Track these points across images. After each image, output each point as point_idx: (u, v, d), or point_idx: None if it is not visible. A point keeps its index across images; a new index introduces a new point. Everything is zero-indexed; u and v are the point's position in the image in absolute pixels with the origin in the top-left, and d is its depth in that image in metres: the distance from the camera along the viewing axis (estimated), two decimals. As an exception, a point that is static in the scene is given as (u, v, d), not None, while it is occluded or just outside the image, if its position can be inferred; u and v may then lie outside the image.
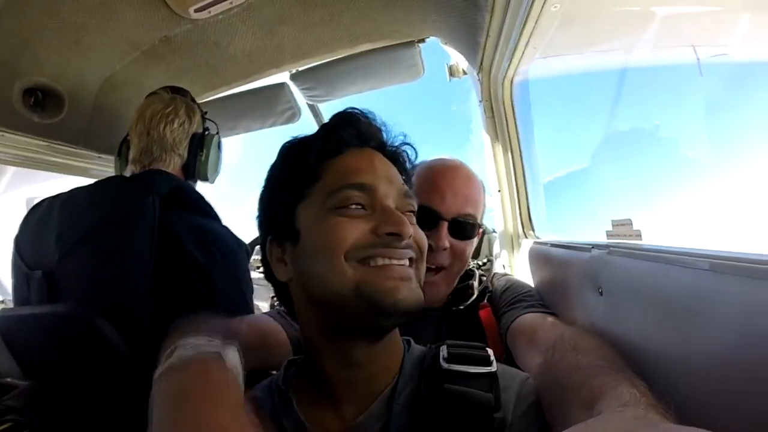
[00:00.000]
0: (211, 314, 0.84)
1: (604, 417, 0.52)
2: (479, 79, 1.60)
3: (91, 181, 1.27)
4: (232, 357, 0.65)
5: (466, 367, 0.70)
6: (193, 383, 0.58)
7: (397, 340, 0.77)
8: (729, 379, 0.53)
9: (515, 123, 1.62)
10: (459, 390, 0.67)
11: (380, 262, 0.66)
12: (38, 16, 1.32)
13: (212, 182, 1.40)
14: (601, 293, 0.85)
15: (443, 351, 0.73)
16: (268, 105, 2.09)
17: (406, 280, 0.67)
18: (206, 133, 1.36)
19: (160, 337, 0.75)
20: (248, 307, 1.14)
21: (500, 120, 1.63)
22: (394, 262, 0.67)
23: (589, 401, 0.58)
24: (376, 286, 0.64)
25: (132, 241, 1.00)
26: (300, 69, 1.93)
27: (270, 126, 2.20)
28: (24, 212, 1.21)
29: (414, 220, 0.74)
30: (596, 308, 0.88)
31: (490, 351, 0.73)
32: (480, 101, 1.66)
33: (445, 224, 1.15)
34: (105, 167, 1.84)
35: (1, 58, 1.37)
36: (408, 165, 0.81)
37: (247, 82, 1.97)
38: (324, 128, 0.77)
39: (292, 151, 0.78)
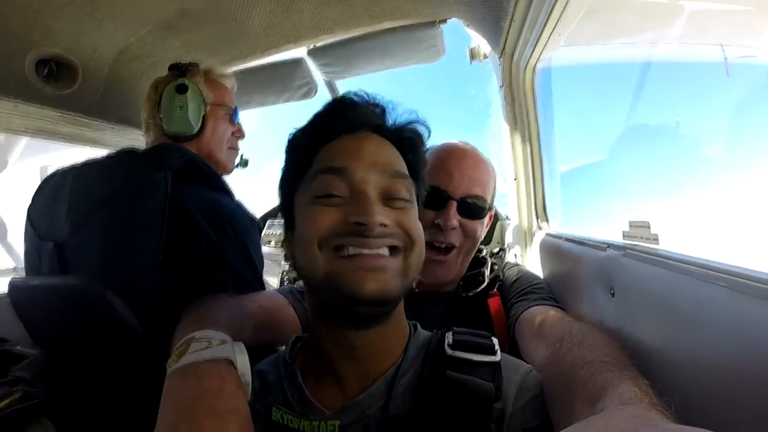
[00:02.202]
0: (223, 294, 0.87)
1: (605, 414, 0.51)
2: (500, 64, 1.56)
3: (105, 152, 1.26)
4: (242, 362, 0.65)
5: (470, 354, 0.70)
6: (202, 394, 0.58)
7: (401, 323, 0.77)
8: (731, 391, 0.53)
9: (535, 111, 1.58)
10: (460, 377, 0.67)
11: (351, 251, 0.65)
12: None
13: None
14: (612, 294, 0.84)
15: (449, 337, 0.73)
16: (285, 80, 2.07)
17: (376, 270, 0.65)
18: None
19: (169, 311, 0.77)
20: (260, 284, 1.14)
21: (520, 107, 1.59)
22: (365, 251, 0.66)
23: (592, 397, 0.58)
24: (342, 277, 0.64)
25: (143, 215, 0.99)
26: (318, 45, 1.90)
27: (286, 101, 2.19)
28: (37, 182, 1.21)
29: (402, 204, 0.71)
30: (606, 308, 0.86)
31: (495, 340, 0.73)
32: (500, 86, 1.63)
33: (454, 204, 1.17)
34: (118, 138, 1.84)
35: (14, 29, 1.36)
36: (417, 144, 0.79)
37: (264, 57, 1.94)
38: (315, 116, 0.78)
39: (291, 139, 0.79)
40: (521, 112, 1.59)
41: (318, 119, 0.77)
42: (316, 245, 0.66)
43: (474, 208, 1.20)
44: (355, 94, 0.77)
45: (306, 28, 1.72)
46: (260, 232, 1.23)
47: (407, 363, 0.72)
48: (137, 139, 1.86)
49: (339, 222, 0.66)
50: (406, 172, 0.74)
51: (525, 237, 1.70)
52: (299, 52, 1.97)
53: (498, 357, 0.70)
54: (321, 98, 2.19)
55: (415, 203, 0.75)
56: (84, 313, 0.98)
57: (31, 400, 0.83)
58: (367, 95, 0.77)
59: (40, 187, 1.21)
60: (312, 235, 0.66)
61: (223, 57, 1.85)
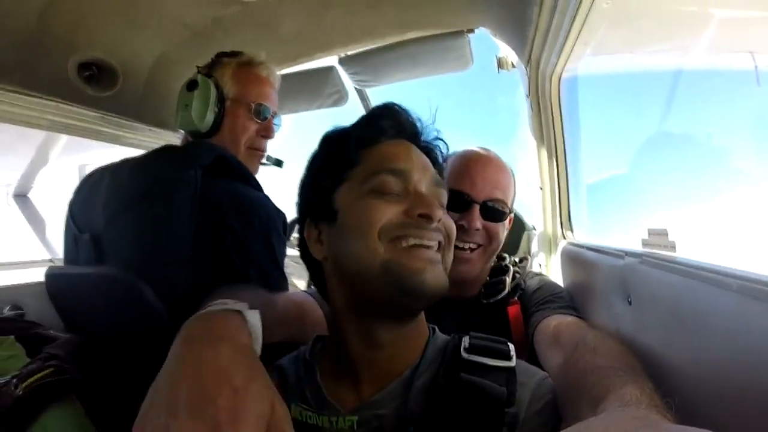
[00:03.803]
0: (250, 285, 0.91)
1: (605, 416, 0.53)
2: (527, 73, 1.57)
3: (142, 152, 1.31)
4: (252, 317, 0.66)
5: (484, 359, 0.71)
6: (206, 329, 0.61)
7: (422, 326, 0.80)
8: (749, 400, 0.52)
9: (561, 120, 1.57)
10: (473, 380, 0.68)
11: (411, 242, 0.70)
12: None
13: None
14: (630, 302, 0.84)
15: (465, 341, 0.75)
16: (316, 87, 2.11)
17: (433, 263, 0.71)
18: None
19: (197, 302, 0.78)
20: (282, 277, 1.15)
21: (546, 116, 1.59)
22: (425, 242, 0.71)
23: (596, 400, 0.59)
24: (403, 265, 0.68)
25: (173, 210, 1.03)
26: (349, 53, 1.94)
27: (317, 108, 2.22)
28: (75, 179, 1.27)
29: (444, 209, 0.77)
30: (624, 317, 0.86)
31: (511, 346, 0.74)
32: (527, 95, 1.63)
33: (477, 207, 1.22)
34: (155, 140, 1.90)
35: (58, 33, 1.43)
36: (440, 159, 0.86)
37: (296, 64, 1.99)
38: (365, 118, 0.83)
39: (333, 139, 0.83)
40: (547, 121, 1.59)
41: (368, 122, 0.82)
42: (375, 234, 0.69)
43: (496, 211, 1.24)
44: (396, 104, 0.83)
45: (337, 36, 1.77)
46: (288, 232, 1.24)
47: (424, 365, 0.74)
48: (174, 142, 1.91)
49: (399, 214, 0.71)
50: (443, 180, 0.81)
51: (550, 246, 1.69)
52: (330, 60, 2.01)
53: (513, 362, 0.71)
54: (351, 106, 2.22)
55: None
56: (115, 301, 1.02)
57: (63, 374, 0.87)
58: (405, 107, 0.84)
59: (80, 183, 1.27)
60: (370, 224, 0.70)
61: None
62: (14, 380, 0.81)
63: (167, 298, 0.97)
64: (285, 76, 2.02)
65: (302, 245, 0.83)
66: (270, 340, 0.72)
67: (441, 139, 0.86)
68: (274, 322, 0.85)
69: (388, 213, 0.70)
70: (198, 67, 1.37)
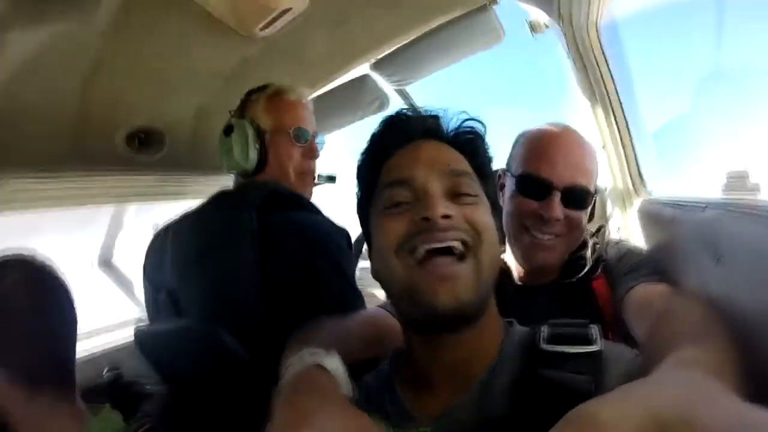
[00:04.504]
0: (324, 315, 0.91)
1: (652, 378, 0.50)
2: (562, 30, 1.47)
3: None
4: (330, 362, 0.69)
5: (564, 347, 0.65)
6: (299, 390, 0.64)
7: (491, 324, 0.74)
8: None
9: (609, 72, 1.46)
10: (553, 374, 0.62)
11: (422, 250, 0.66)
12: (126, 67, 1.45)
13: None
14: (719, 261, 0.75)
15: (544, 331, 0.69)
16: (355, 98, 2.09)
17: (449, 279, 0.65)
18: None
19: (275, 338, 0.82)
20: (356, 295, 1.14)
21: (592, 71, 1.48)
22: (435, 245, 0.65)
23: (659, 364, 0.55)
24: (416, 286, 0.66)
25: (236, 255, 1.05)
26: (379, 57, 1.90)
27: (361, 118, 2.19)
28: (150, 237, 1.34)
29: (469, 200, 0.71)
30: (714, 277, 0.75)
31: (594, 328, 0.67)
32: (567, 54, 1.53)
33: (558, 194, 1.08)
34: (213, 185, 1.92)
35: (101, 113, 1.52)
36: (475, 140, 0.80)
37: (330, 82, 1.98)
38: (371, 137, 0.82)
39: (358, 164, 0.83)
40: (595, 76, 1.48)
41: (375, 140, 0.81)
42: (393, 253, 0.68)
43: (580, 198, 1.11)
44: (406, 108, 0.83)
45: (362, 45, 1.75)
46: (350, 244, 1.24)
47: (502, 364, 0.69)
48: (230, 183, 1.97)
49: (408, 224, 0.68)
50: (469, 170, 0.74)
51: (624, 206, 1.58)
52: (363, 68, 1.98)
53: (598, 346, 0.64)
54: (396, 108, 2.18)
55: (485, 199, 0.74)
56: (199, 350, 1.06)
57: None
58: (418, 107, 0.82)
59: (150, 244, 1.33)
60: (387, 243, 0.69)
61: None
62: None
63: (246, 339, 0.99)
64: (322, 96, 2.03)
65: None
66: (354, 362, 0.73)
67: (471, 120, 0.79)
68: (354, 348, 0.84)
69: (398, 227, 0.69)
70: (230, 111, 1.41)
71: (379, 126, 0.81)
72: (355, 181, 0.84)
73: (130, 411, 1.00)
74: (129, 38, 1.36)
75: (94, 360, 1.11)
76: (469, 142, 0.78)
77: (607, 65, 1.45)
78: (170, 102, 1.67)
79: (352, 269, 1.17)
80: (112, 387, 1.07)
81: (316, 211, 1.21)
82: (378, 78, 2.02)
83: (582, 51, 1.46)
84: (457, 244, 0.66)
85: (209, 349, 1.02)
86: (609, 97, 1.49)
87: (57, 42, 1.24)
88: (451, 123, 0.79)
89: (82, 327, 1.01)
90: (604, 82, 1.48)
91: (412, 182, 0.71)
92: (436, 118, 0.79)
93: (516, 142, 1.22)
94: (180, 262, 1.15)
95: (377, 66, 1.95)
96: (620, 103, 1.49)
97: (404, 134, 0.77)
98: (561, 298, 1.14)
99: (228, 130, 1.33)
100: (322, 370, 0.68)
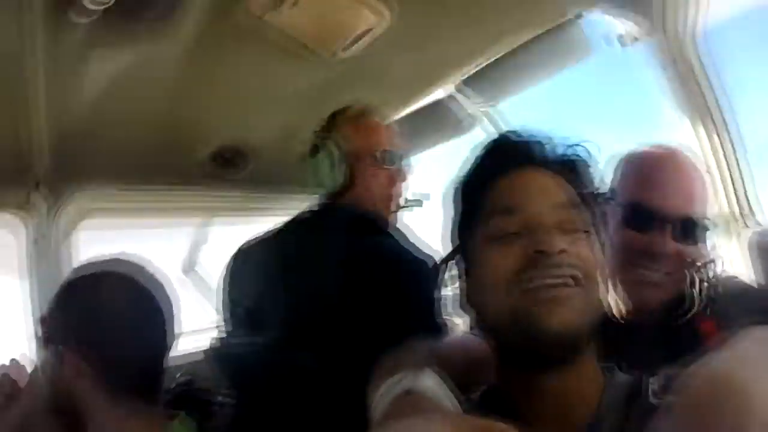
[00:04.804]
0: (411, 342, 0.86)
1: None
2: (657, 43, 1.36)
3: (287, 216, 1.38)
4: (424, 381, 0.66)
5: None
6: (393, 415, 0.61)
7: (592, 367, 0.67)
8: None
9: (711, 85, 1.33)
10: None
11: (534, 284, 0.61)
12: (210, 88, 1.52)
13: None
14: None
15: (653, 382, 0.62)
16: (439, 120, 2.05)
17: (560, 303, 0.60)
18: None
19: (355, 362, 0.79)
20: (440, 322, 1.07)
21: (692, 85, 1.35)
22: (548, 281, 0.60)
23: None
24: (528, 311, 0.60)
25: (318, 277, 1.07)
26: (463, 78, 1.86)
27: (446, 140, 2.16)
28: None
29: (578, 235, 0.66)
30: None
31: None
32: (662, 67, 1.41)
33: (670, 227, 0.96)
34: (298, 203, 1.93)
35: (187, 131, 1.62)
36: (581, 168, 0.73)
37: (413, 104, 1.97)
38: (475, 161, 0.77)
39: (455, 189, 0.78)
40: (695, 90, 1.35)
41: (478, 163, 0.76)
42: (498, 286, 0.63)
43: (694, 231, 0.98)
44: (510, 131, 0.77)
45: (446, 66, 1.73)
46: (440, 273, 1.20)
47: (605, 413, 0.63)
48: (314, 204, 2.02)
49: (520, 258, 0.63)
50: (578, 202, 0.69)
51: (730, 236, 1.41)
52: (446, 89, 1.95)
53: None
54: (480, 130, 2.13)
55: (592, 231, 0.69)
56: (273, 368, 1.07)
57: None
58: (522, 131, 0.75)
59: (231, 259, 1.36)
60: (496, 275, 0.64)
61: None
62: None
63: (324, 362, 0.99)
64: (405, 118, 2.01)
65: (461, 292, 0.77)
66: None
67: (577, 145, 0.74)
68: (445, 372, 0.76)
69: (508, 260, 0.63)
70: (315, 131, 1.41)
71: (483, 149, 0.76)
72: (444, 206, 0.79)
73: (201, 420, 1.01)
74: (212, 60, 1.42)
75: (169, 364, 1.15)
76: (578, 171, 0.73)
77: (709, 78, 1.32)
78: (254, 121, 1.74)
79: (436, 298, 1.13)
80: (185, 394, 1.10)
81: (401, 237, 1.19)
82: (462, 99, 1.96)
83: (680, 63, 1.34)
84: (570, 282, 0.62)
85: (284, 368, 1.04)
86: (712, 114, 1.36)
87: (143, 62, 1.33)
88: (558, 149, 0.73)
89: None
90: (705, 96, 1.35)
91: (524, 212, 0.66)
92: (543, 143, 0.73)
93: (619, 166, 1.09)
94: (261, 280, 1.18)
95: (462, 86, 1.90)
96: (724, 121, 1.34)
97: (511, 159, 0.72)
98: (666, 340, 1.00)
99: (313, 151, 1.34)
100: (417, 392, 0.64)
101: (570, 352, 0.62)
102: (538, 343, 0.59)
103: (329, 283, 1.04)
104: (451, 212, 0.78)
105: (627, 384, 0.66)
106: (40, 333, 0.96)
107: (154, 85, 1.45)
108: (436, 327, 1.06)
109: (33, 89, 1.29)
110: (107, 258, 1.04)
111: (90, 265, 1.04)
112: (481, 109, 2.04)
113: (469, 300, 0.72)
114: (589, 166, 0.74)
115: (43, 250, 1.57)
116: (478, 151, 0.77)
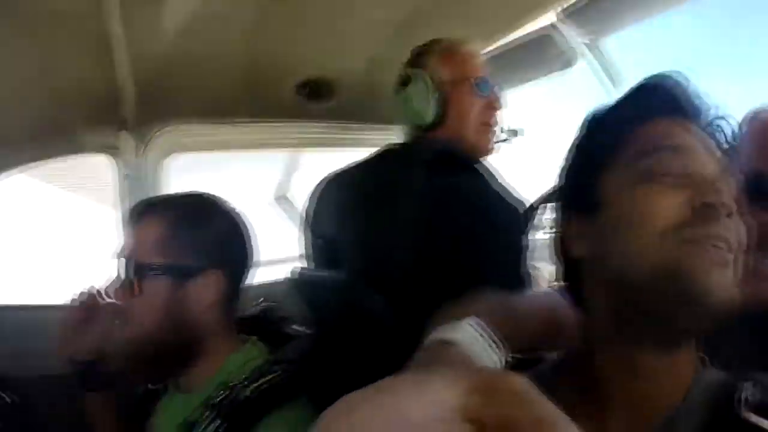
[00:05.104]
0: (484, 291, 0.79)
1: None
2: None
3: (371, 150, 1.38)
4: (460, 333, 0.61)
5: None
6: (408, 368, 0.58)
7: (691, 357, 0.61)
8: None
9: None
10: None
11: (697, 238, 0.53)
12: (294, 17, 1.51)
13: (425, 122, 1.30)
14: None
15: (746, 390, 0.53)
16: (538, 53, 1.89)
17: (723, 265, 0.53)
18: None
19: (426, 305, 0.75)
20: (524, 275, 1.05)
21: None
22: (711, 239, 0.53)
23: None
24: (682, 265, 0.52)
25: (397, 213, 1.04)
26: (566, 5, 1.68)
27: (545, 75, 1.98)
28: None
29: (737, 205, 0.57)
30: None
31: None
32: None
33: None
34: (382, 136, 1.94)
35: (270, 62, 1.62)
36: (725, 144, 0.64)
37: (511, 33, 1.82)
38: (632, 93, 0.68)
39: (596, 119, 0.70)
40: None
41: (636, 97, 0.67)
42: (650, 231, 0.55)
43: None
44: (668, 75, 0.66)
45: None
46: (531, 218, 1.15)
47: (686, 410, 0.56)
48: (400, 137, 1.98)
49: (679, 205, 0.55)
50: (730, 170, 0.61)
51: None
52: (547, 18, 1.77)
53: None
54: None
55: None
56: (345, 304, 1.09)
57: (291, 378, 0.93)
58: (680, 79, 0.65)
59: (312, 191, 1.37)
60: (644, 218, 0.56)
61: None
62: (246, 381, 0.88)
63: (395, 300, 0.98)
64: (500, 49, 1.89)
65: (558, 240, 0.70)
66: (515, 350, 0.66)
67: (723, 117, 0.64)
68: (518, 333, 0.72)
69: (665, 202, 0.55)
70: (404, 63, 1.38)
71: (643, 83, 0.67)
72: (575, 140, 0.71)
73: (273, 346, 1.05)
74: None
75: (249, 290, 1.21)
76: (723, 141, 0.63)
77: None
78: (340, 50, 1.70)
79: (524, 248, 1.07)
80: (262, 319, 1.15)
81: (490, 176, 1.13)
82: (566, 29, 1.78)
83: None
84: (726, 246, 0.54)
85: (355, 305, 1.04)
86: None
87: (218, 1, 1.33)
88: (706, 113, 0.64)
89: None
90: None
91: (690, 154, 0.58)
92: (698, 101, 0.64)
93: (742, 126, 0.87)
94: (341, 213, 1.18)
95: (565, 16, 1.72)
96: None
97: (673, 105, 0.63)
98: (762, 335, 0.87)
99: (404, 81, 1.31)
100: (450, 344, 0.60)
101: (707, 328, 0.55)
102: (687, 306, 0.52)
103: (408, 221, 1.02)
104: (576, 147, 0.70)
105: (717, 384, 0.58)
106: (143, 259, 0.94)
107: (236, 20, 1.45)
108: (517, 278, 1.01)
109: (114, 32, 1.34)
110: (185, 192, 1.08)
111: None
112: (585, 41, 1.85)
113: (591, 246, 0.62)
114: (731, 142, 0.64)
115: (134, 186, 1.68)
116: (637, 86, 0.67)
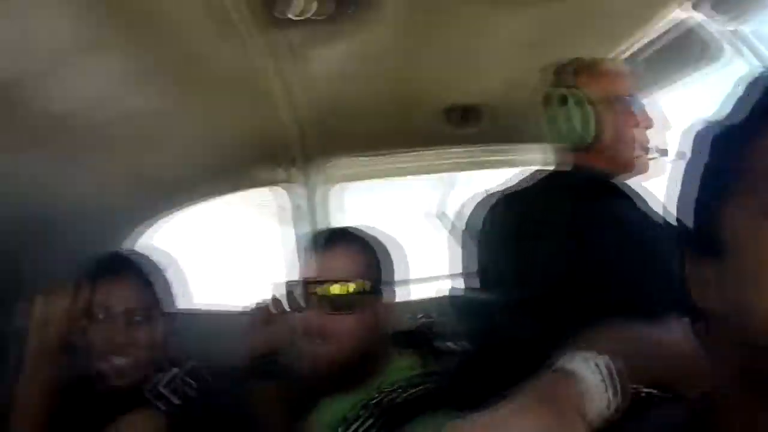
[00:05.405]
0: (620, 321, 0.79)
1: None
2: None
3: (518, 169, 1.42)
4: (582, 367, 0.59)
5: None
6: (521, 395, 0.59)
7: None
8: None
9: None
10: None
11: None
12: (434, 51, 1.60)
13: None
14: None
15: None
16: (677, 50, 1.66)
17: None
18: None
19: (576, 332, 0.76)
20: (669, 304, 0.97)
21: None
22: None
23: None
24: None
25: (546, 244, 1.06)
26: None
27: (690, 73, 1.74)
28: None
29: None
30: None
31: None
32: None
33: None
34: (531, 156, 1.99)
35: (417, 98, 1.78)
36: None
37: (644, 32, 1.62)
38: (758, 104, 0.47)
39: (715, 135, 0.51)
40: None
41: (762, 109, 0.47)
42: None
43: None
44: None
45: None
46: (680, 240, 1.06)
47: None
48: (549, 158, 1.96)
49: None
50: None
51: None
52: (680, 13, 1.52)
53: None
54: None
55: None
56: (499, 327, 1.14)
57: (441, 390, 1.03)
58: None
59: (471, 214, 1.42)
60: None
61: (603, 49, 1.66)
62: (400, 389, 1.02)
63: (545, 327, 1.00)
64: (635, 53, 1.71)
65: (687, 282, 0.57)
66: (642, 383, 0.65)
67: None
68: (644, 366, 0.70)
69: None
70: (550, 83, 1.35)
71: (750, 87, 0.48)
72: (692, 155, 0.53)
73: (424, 360, 1.15)
74: (426, 25, 1.46)
75: (410, 305, 1.31)
76: None
77: None
78: (481, 77, 1.76)
79: (675, 271, 1.00)
80: (418, 334, 1.26)
81: (635, 201, 1.11)
82: (704, 19, 1.53)
83: None
84: None
85: (507, 329, 1.09)
86: None
87: (361, 45, 1.47)
88: None
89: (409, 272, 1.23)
90: None
91: None
92: None
93: None
94: (494, 240, 1.24)
95: (700, 4, 1.46)
96: None
97: None
98: None
99: (562, 100, 1.28)
100: (564, 373, 0.59)
101: None
102: None
103: (556, 252, 1.03)
104: (693, 176, 0.53)
105: None
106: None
107: (379, 61, 1.59)
108: (667, 305, 0.97)
109: (277, 87, 1.60)
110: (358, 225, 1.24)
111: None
112: (730, 29, 1.58)
113: (717, 296, 0.48)
114: None
115: (305, 214, 2.03)
116: (745, 88, 0.49)
